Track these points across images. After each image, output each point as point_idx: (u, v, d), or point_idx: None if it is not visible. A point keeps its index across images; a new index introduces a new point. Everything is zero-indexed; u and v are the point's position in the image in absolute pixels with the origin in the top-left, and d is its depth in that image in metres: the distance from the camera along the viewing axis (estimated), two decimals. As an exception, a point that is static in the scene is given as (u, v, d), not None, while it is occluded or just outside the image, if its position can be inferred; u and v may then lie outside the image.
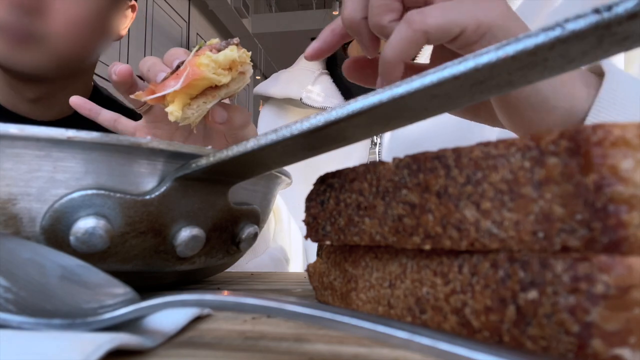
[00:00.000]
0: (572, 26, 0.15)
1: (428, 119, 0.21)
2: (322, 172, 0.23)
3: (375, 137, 0.62)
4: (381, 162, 0.19)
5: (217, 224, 0.29)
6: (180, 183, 0.26)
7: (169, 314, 0.19)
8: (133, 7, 0.77)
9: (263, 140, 0.21)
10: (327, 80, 0.67)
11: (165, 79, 0.39)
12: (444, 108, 0.20)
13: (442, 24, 0.29)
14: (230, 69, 0.39)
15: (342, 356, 0.16)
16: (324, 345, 0.17)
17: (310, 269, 0.26)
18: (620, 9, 0.14)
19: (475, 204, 0.16)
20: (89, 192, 0.24)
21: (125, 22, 0.76)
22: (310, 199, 0.23)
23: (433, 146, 0.17)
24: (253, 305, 0.15)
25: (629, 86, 0.34)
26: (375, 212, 0.19)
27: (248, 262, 0.58)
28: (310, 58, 0.36)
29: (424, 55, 0.59)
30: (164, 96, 0.39)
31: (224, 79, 0.38)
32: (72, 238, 0.24)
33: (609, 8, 0.15)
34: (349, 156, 0.61)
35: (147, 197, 0.26)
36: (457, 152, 0.16)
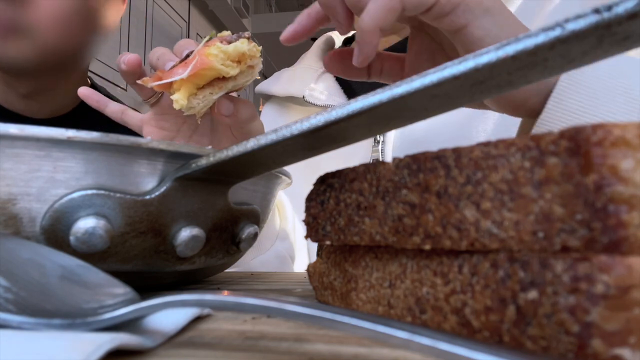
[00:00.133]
0: (572, 26, 0.15)
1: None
2: (328, 171, 0.23)
3: (378, 135, 0.62)
4: (381, 162, 0.19)
5: (217, 224, 0.29)
6: (180, 183, 0.26)
7: (169, 314, 0.19)
8: None
9: (263, 140, 0.21)
10: (329, 79, 0.67)
11: (173, 67, 0.39)
12: (444, 108, 0.20)
13: None
14: (239, 61, 0.39)
15: (342, 356, 0.16)
16: (324, 345, 0.17)
17: (310, 269, 0.26)
18: (620, 9, 0.14)
19: (475, 204, 0.16)
20: (89, 192, 0.24)
21: (116, 13, 0.74)
22: (310, 199, 0.23)
23: (440, 143, 0.17)
24: (253, 305, 0.15)
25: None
26: (375, 212, 0.19)
27: (253, 259, 0.58)
28: (287, 41, 0.36)
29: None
30: (170, 84, 0.39)
31: (232, 71, 0.38)
32: (72, 238, 0.24)
33: (609, 8, 0.15)
34: (353, 154, 0.61)
35: (147, 197, 0.26)
36: (457, 152, 0.16)
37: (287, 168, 0.32)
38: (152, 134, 0.49)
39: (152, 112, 0.49)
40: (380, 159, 0.61)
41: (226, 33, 0.40)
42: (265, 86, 0.73)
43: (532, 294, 0.14)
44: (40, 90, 0.70)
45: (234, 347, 0.17)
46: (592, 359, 0.12)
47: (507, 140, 0.15)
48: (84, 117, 0.74)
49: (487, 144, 0.16)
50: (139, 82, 0.42)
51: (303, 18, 0.36)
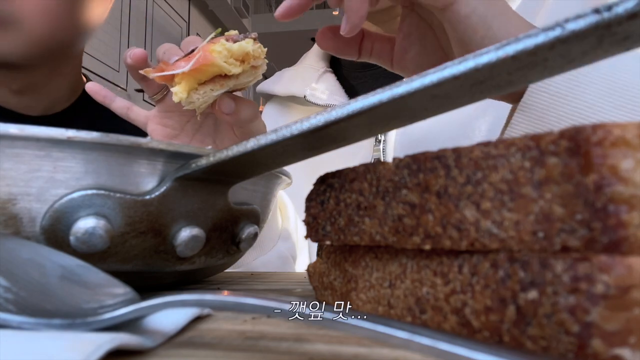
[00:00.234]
0: (572, 26, 0.15)
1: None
2: (328, 171, 0.23)
3: (379, 134, 0.62)
4: (381, 162, 0.19)
5: (217, 224, 0.29)
6: (180, 183, 0.26)
7: (169, 314, 0.19)
8: None
9: (263, 140, 0.21)
10: (331, 78, 0.67)
11: (177, 60, 0.39)
12: (444, 108, 0.20)
13: None
14: (242, 61, 0.39)
15: (342, 356, 0.16)
16: (324, 345, 0.17)
17: (310, 269, 0.26)
18: (620, 9, 0.14)
19: (475, 204, 0.16)
20: (89, 192, 0.24)
21: (104, 3, 0.72)
22: (310, 199, 0.23)
23: (440, 143, 0.17)
24: (253, 305, 0.15)
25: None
26: (375, 212, 0.19)
27: (255, 260, 0.58)
28: (281, 17, 0.36)
29: None
30: (172, 77, 0.39)
31: (235, 69, 0.38)
32: (72, 238, 0.24)
33: (609, 8, 0.15)
34: (354, 154, 0.61)
35: (147, 197, 0.26)
36: (457, 152, 0.16)
37: (287, 168, 0.32)
38: (156, 131, 0.49)
39: (157, 110, 0.49)
40: (382, 159, 0.61)
41: (233, 32, 0.40)
42: (267, 86, 0.73)
43: (532, 294, 0.14)
44: (32, 86, 0.68)
45: (234, 347, 0.17)
46: (592, 359, 0.12)
47: (507, 140, 0.15)
48: (80, 114, 0.74)
49: (487, 144, 0.16)
50: (141, 72, 0.42)
51: None
